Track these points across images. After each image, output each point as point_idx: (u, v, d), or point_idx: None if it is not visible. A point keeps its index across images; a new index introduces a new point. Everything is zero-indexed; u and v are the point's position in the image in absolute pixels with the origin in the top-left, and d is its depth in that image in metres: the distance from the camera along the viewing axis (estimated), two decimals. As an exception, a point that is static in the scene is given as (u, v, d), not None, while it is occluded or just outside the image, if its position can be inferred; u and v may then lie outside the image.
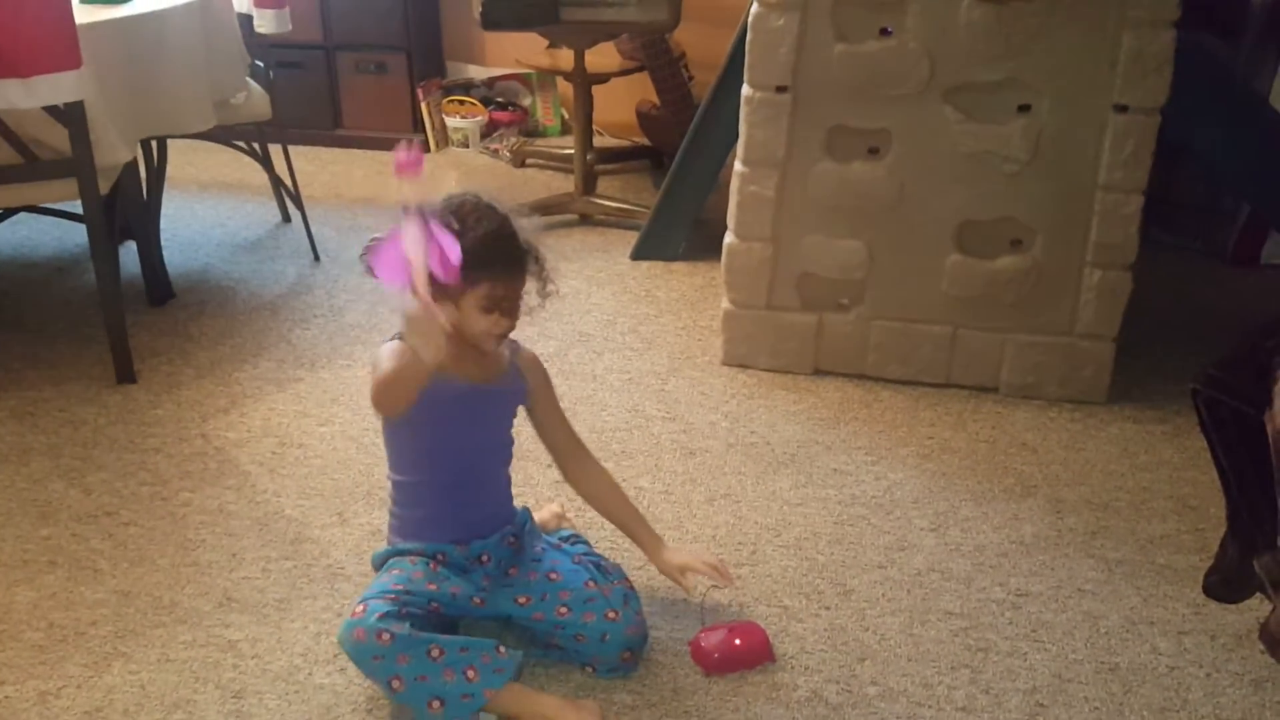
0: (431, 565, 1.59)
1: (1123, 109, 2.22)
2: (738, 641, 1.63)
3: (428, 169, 1.44)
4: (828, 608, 1.77)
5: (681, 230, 3.13)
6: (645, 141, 3.96)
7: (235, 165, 3.40)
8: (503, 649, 1.51)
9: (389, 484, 1.67)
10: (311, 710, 1.54)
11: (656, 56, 3.58)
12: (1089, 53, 2.20)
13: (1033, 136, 2.26)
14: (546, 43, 3.66)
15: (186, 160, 3.59)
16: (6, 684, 1.58)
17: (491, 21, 3.07)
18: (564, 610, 1.60)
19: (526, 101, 4.37)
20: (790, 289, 2.47)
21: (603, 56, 3.54)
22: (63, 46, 2.12)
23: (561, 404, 1.76)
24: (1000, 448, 2.25)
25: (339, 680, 1.59)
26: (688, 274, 3.06)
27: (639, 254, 3.15)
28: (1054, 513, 2.04)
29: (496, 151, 4.13)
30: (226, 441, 2.21)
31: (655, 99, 3.75)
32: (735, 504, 2.04)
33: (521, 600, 1.62)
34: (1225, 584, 1.80)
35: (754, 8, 2.31)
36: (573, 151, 3.45)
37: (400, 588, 1.53)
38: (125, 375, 2.42)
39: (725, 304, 2.54)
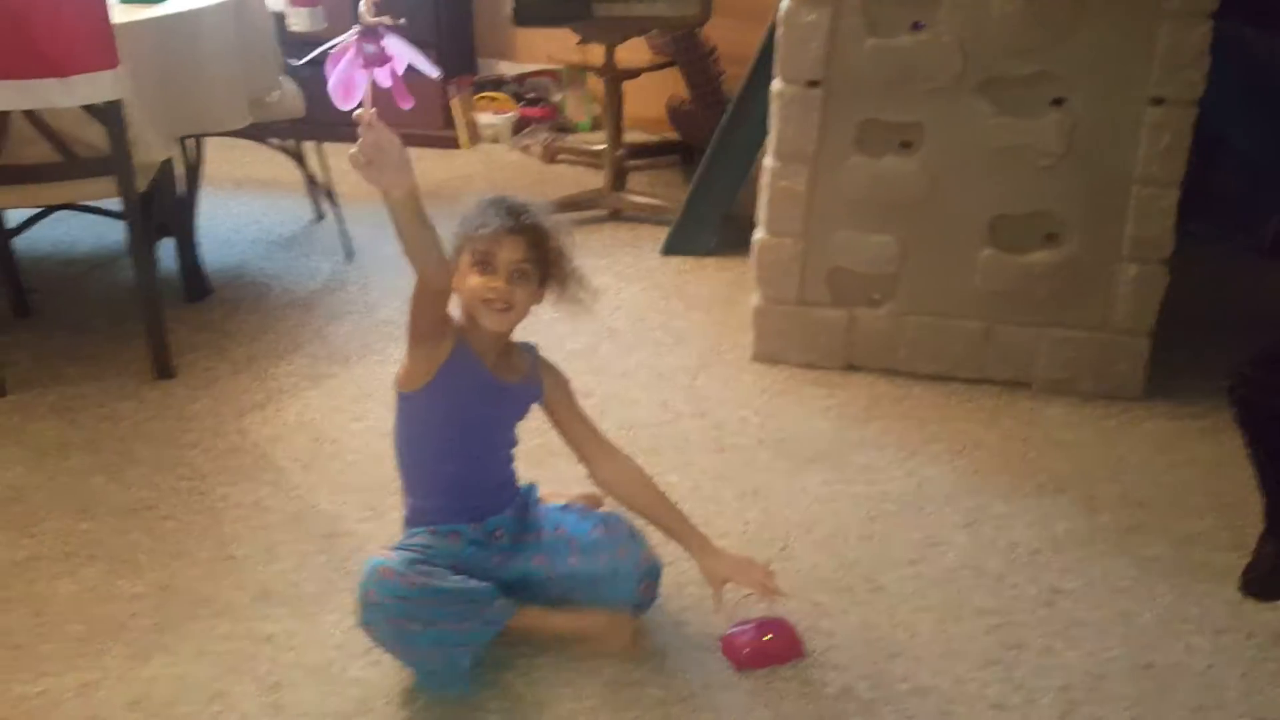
0: (451, 537, 1.62)
1: (1159, 102, 2.19)
2: (768, 637, 1.63)
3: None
4: (859, 604, 1.76)
5: (712, 226, 3.12)
6: (676, 137, 3.96)
7: (270, 163, 3.43)
8: (500, 601, 1.56)
9: (401, 479, 1.69)
10: (346, 702, 1.56)
11: (687, 51, 3.57)
12: (1124, 45, 2.18)
13: (1067, 130, 2.24)
14: (577, 38, 3.66)
15: (222, 158, 3.62)
16: (48, 675, 1.61)
17: (523, 17, 3.09)
18: (575, 560, 1.63)
19: (557, 97, 4.38)
20: (821, 284, 2.46)
21: (633, 52, 3.54)
22: (100, 46, 2.15)
23: (590, 400, 1.77)
24: (1033, 444, 2.24)
25: (373, 673, 1.61)
26: (718, 269, 3.06)
27: (669, 249, 3.15)
28: (1088, 510, 2.02)
29: (527, 148, 4.14)
30: (262, 437, 2.24)
31: (686, 94, 3.74)
32: (765, 500, 2.04)
33: (537, 560, 1.65)
34: (1263, 581, 1.79)
35: (785, 2, 2.30)
36: (603, 147, 3.46)
37: (423, 542, 1.58)
38: (163, 371, 2.45)
39: (756, 299, 2.54)
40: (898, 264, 2.41)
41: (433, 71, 1.33)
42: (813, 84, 2.32)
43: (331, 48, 1.32)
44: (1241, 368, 1.74)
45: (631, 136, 4.00)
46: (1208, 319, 2.71)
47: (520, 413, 1.70)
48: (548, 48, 3.70)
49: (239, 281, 2.99)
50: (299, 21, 2.98)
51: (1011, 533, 1.95)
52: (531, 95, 4.35)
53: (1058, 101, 2.25)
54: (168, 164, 2.55)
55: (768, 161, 2.43)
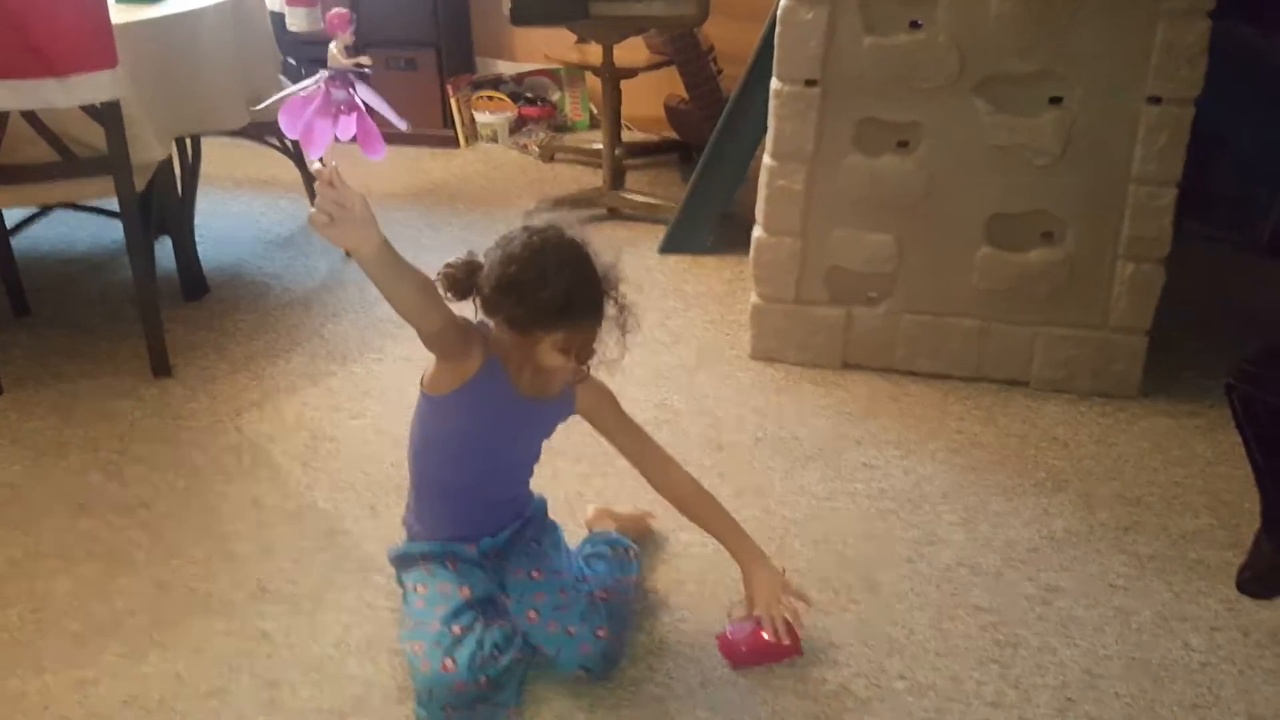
0: (450, 565, 1.61)
1: (1156, 101, 2.19)
2: (765, 635, 1.63)
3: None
4: (856, 602, 1.77)
5: (710, 224, 3.13)
6: (674, 136, 3.96)
7: (268, 162, 3.43)
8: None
9: (410, 475, 1.68)
10: (344, 700, 1.56)
11: (685, 51, 3.57)
12: (1122, 44, 2.18)
13: (1065, 129, 2.24)
14: (575, 38, 3.67)
15: (220, 157, 3.62)
16: (46, 672, 1.61)
17: (521, 17, 3.09)
18: (533, 615, 1.60)
19: (555, 97, 4.38)
20: (819, 283, 2.47)
21: (631, 51, 3.55)
22: (99, 46, 2.15)
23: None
24: (1031, 442, 2.24)
25: (370, 670, 1.61)
26: (716, 268, 3.06)
27: (667, 248, 3.16)
28: (1085, 508, 2.02)
29: (525, 147, 4.14)
30: (260, 435, 2.24)
31: (684, 93, 3.74)
32: (763, 498, 2.04)
33: (505, 597, 1.63)
34: (1259, 580, 1.79)
35: (783, 1, 2.30)
36: (601, 146, 3.46)
37: (444, 610, 1.54)
38: (161, 369, 2.45)
39: (754, 298, 2.54)
40: (895, 263, 2.41)
41: (401, 124, 1.25)
42: (810, 83, 2.32)
43: (295, 93, 1.24)
44: (1238, 366, 1.74)
45: (630, 136, 4.01)
46: (1205, 318, 2.72)
47: (546, 431, 1.68)
48: (546, 47, 3.71)
49: (237, 280, 2.99)
50: (297, 21, 2.98)
51: (1009, 531, 1.96)
52: (530, 94, 4.35)
53: (1055, 100, 2.25)
54: (166, 163, 2.55)
55: (766, 160, 2.43)
